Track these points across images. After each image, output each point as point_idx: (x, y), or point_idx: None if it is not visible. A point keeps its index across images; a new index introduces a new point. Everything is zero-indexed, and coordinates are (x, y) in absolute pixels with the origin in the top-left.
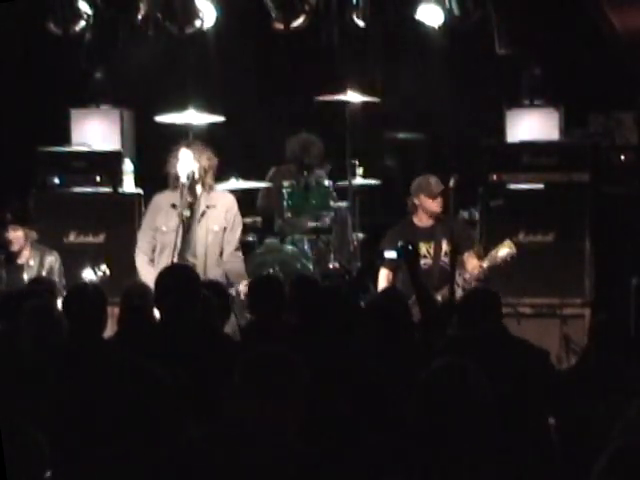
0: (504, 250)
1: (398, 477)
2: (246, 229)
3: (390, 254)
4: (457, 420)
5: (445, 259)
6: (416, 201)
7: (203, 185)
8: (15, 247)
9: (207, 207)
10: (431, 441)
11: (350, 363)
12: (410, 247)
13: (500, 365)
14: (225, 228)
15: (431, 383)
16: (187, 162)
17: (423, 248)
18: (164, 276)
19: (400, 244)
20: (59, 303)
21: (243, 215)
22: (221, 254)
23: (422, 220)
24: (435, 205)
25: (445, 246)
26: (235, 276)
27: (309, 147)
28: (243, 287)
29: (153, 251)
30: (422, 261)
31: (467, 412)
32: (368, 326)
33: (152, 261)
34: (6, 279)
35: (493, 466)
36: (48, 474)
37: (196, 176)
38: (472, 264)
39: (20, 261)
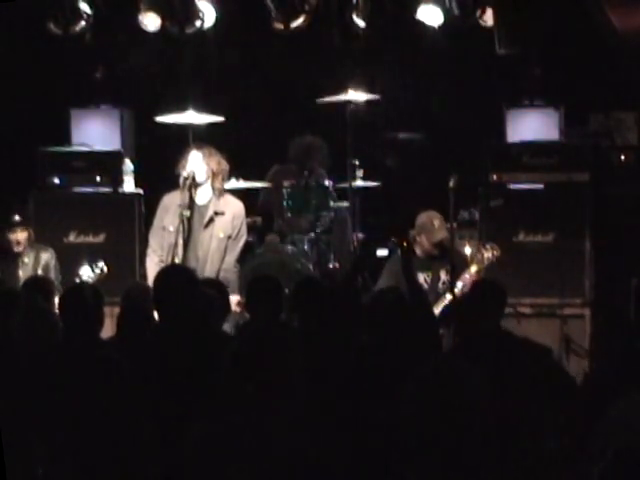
0: (488, 253)
1: (399, 477)
2: (246, 229)
3: (382, 252)
4: (452, 420)
5: (442, 286)
6: (417, 238)
7: (213, 189)
8: (20, 248)
9: (215, 214)
10: (428, 441)
11: (350, 363)
12: (405, 243)
13: (503, 364)
14: (230, 236)
15: (426, 383)
16: (195, 164)
17: (421, 277)
18: (162, 277)
19: (393, 240)
20: (56, 301)
21: None
22: (222, 260)
23: (422, 252)
24: (435, 250)
25: (443, 276)
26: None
27: (313, 151)
28: (234, 299)
29: (163, 250)
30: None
31: (462, 412)
32: (369, 326)
33: (162, 262)
34: (2, 277)
35: (490, 467)
36: (47, 473)
37: (202, 178)
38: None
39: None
